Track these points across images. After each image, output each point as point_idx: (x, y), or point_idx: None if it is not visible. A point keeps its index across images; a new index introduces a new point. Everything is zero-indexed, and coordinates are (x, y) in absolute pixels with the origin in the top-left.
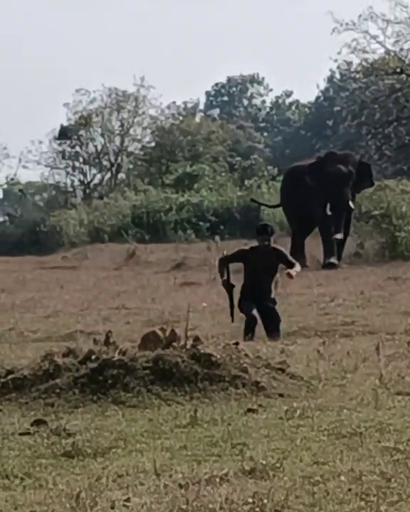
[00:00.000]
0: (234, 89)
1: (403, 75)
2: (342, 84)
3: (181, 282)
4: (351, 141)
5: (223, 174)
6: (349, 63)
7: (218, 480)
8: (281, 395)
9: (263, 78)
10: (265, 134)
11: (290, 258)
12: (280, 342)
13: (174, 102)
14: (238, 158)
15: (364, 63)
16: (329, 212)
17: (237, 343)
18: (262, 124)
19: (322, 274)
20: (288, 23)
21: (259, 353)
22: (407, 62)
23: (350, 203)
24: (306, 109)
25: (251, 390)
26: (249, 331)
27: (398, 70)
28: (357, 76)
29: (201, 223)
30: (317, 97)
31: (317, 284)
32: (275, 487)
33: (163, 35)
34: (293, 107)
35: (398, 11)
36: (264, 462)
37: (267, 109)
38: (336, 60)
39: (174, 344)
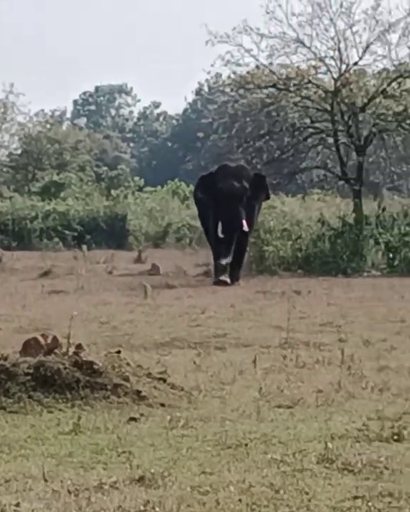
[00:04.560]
0: (102, 98)
1: (274, 89)
2: (211, 97)
3: (49, 290)
4: (221, 154)
5: (89, 183)
6: (219, 75)
7: (107, 487)
8: (163, 405)
9: (131, 88)
10: (132, 144)
11: None
12: (156, 352)
13: (43, 110)
14: (105, 168)
15: (232, 75)
16: (220, 235)
17: (119, 352)
18: (129, 135)
19: (192, 286)
20: (161, 34)
21: (137, 362)
22: (279, 76)
23: (243, 224)
24: (173, 121)
25: (133, 398)
26: None
27: (270, 84)
28: (226, 89)
29: (67, 232)
30: (185, 109)
31: (187, 296)
32: (165, 496)
33: (34, 42)
34: (161, 119)
35: (273, 25)
36: (152, 471)
37: (135, 120)
38: (209, 72)
39: (56, 351)
